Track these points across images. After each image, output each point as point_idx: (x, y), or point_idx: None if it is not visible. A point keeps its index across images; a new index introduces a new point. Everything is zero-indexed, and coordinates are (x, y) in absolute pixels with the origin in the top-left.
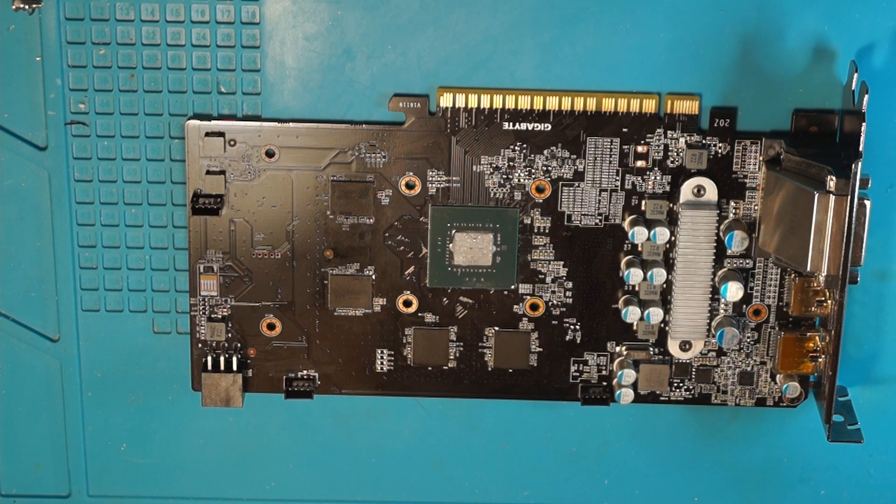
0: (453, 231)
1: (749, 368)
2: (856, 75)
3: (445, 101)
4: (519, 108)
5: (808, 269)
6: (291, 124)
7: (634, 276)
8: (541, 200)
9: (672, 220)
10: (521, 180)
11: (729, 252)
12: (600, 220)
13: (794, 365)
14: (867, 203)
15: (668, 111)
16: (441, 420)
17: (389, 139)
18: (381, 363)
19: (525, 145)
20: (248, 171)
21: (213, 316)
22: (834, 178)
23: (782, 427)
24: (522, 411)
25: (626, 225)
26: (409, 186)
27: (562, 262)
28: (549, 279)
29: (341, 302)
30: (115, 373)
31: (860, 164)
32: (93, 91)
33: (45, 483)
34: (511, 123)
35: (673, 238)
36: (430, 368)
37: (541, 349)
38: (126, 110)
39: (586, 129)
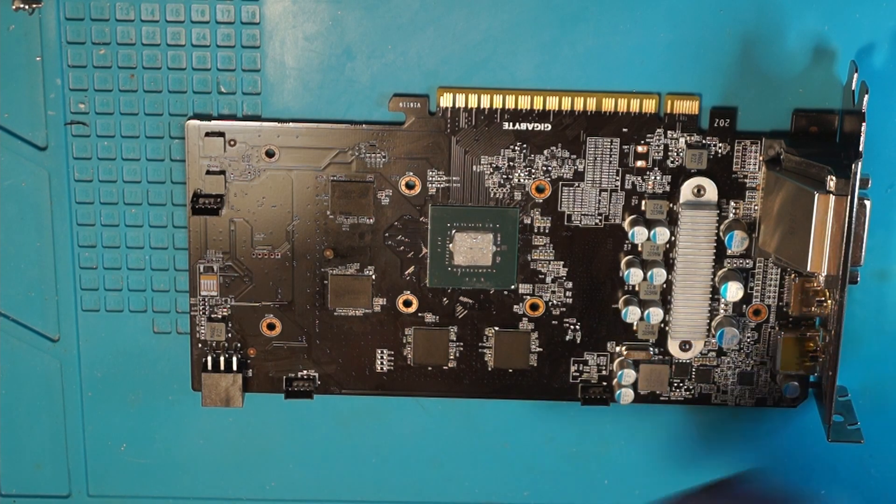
0: (453, 231)
1: (749, 368)
2: (856, 75)
3: (445, 101)
4: (519, 108)
5: (808, 269)
6: (291, 124)
7: (634, 276)
8: (541, 200)
9: (672, 220)
10: (521, 180)
11: (729, 252)
12: (600, 220)
13: (794, 365)
14: (867, 203)
15: (668, 111)
16: (441, 420)
17: (389, 139)
18: (381, 363)
19: (525, 145)
20: (248, 171)
21: (213, 316)
22: (834, 178)
23: (782, 427)
24: (522, 411)
25: (626, 225)
26: (409, 186)
27: (562, 262)
28: (549, 279)
29: (341, 302)
30: (115, 373)
31: (860, 164)
32: (93, 91)
33: (45, 483)
34: (511, 123)
35: (673, 238)
36: (430, 368)
37: (541, 349)
38: (126, 110)
39: (586, 129)
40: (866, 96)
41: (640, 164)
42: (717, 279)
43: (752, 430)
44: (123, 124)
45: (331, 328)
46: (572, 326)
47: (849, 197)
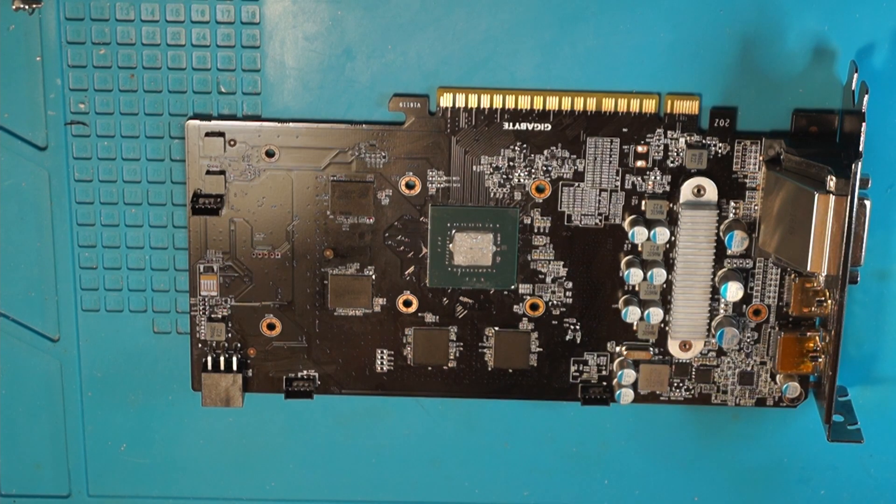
0: (453, 231)
1: (749, 368)
2: (856, 75)
3: (445, 101)
4: (519, 108)
5: (808, 269)
6: (291, 124)
7: (634, 276)
8: (541, 200)
9: (672, 220)
10: (521, 180)
11: (729, 252)
12: (600, 220)
13: (794, 365)
14: (867, 203)
15: (668, 111)
16: (441, 420)
17: (389, 139)
18: (381, 363)
19: (525, 145)
20: (248, 171)
21: (213, 316)
22: (834, 178)
23: (782, 427)
24: (522, 411)
25: (626, 225)
26: (409, 186)
27: (562, 262)
28: (549, 279)
29: (341, 302)
30: (115, 373)
31: (860, 164)
32: (93, 91)
33: (45, 483)
34: (511, 123)
35: (673, 238)
36: (430, 368)
37: (541, 349)
38: (126, 110)
39: (586, 129)
40: (866, 96)
41: (640, 164)
42: (717, 279)
43: (752, 430)
44: (123, 124)
45: (331, 328)
46: (572, 326)
47: (849, 197)
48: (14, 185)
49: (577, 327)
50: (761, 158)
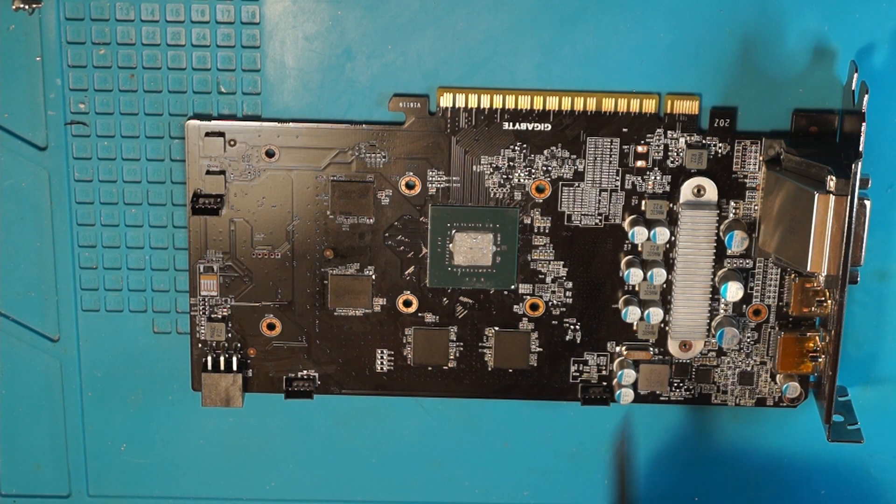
0: (453, 231)
1: (749, 368)
2: (856, 75)
3: (445, 101)
4: (519, 108)
5: (808, 269)
6: (291, 124)
7: (634, 276)
8: (541, 200)
9: (672, 220)
10: (521, 180)
11: (729, 252)
12: (600, 220)
13: (794, 365)
14: (867, 203)
15: (668, 111)
16: (441, 420)
17: (389, 139)
18: (381, 363)
19: (525, 145)
20: (248, 171)
21: (213, 316)
22: (834, 178)
23: (782, 427)
24: (522, 411)
25: (626, 225)
26: (409, 186)
27: (562, 262)
28: (549, 279)
29: (341, 302)
30: (115, 373)
31: (860, 164)
32: (93, 91)
33: (45, 483)
34: (511, 123)
35: (673, 238)
36: (430, 368)
37: (541, 349)
38: (126, 110)
39: (586, 129)
40: (866, 96)
41: (640, 164)
42: (717, 279)
43: (752, 430)
44: (123, 124)
45: (331, 328)
46: (572, 326)
47: (849, 197)
48: (14, 185)
49: (577, 327)
50: (761, 158)
